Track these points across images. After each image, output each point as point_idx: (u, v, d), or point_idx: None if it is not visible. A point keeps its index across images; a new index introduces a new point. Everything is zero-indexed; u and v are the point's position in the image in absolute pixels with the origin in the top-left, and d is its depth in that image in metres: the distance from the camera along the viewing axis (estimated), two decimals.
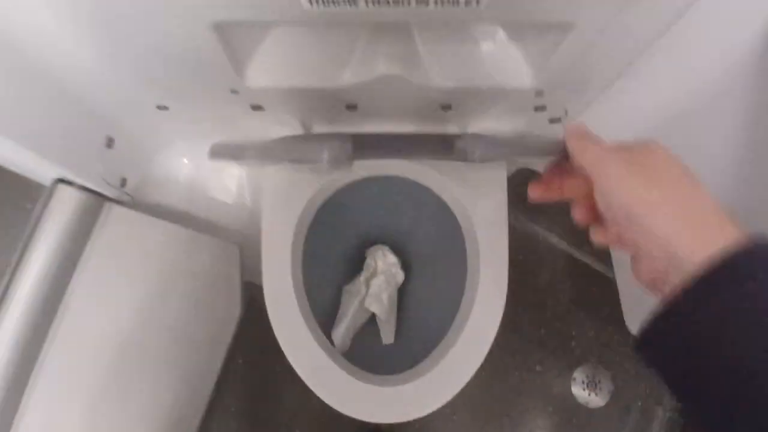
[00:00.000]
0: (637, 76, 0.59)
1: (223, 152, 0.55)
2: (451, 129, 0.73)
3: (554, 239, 1.14)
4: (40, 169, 0.57)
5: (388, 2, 0.44)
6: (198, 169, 0.80)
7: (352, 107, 0.66)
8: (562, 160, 0.40)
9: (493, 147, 0.52)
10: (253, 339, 0.91)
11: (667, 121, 0.61)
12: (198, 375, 0.66)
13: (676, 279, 0.26)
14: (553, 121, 0.73)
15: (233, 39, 0.51)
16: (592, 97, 0.64)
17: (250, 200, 0.84)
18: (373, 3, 0.44)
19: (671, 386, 0.27)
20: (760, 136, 0.49)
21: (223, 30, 0.48)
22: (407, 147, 0.63)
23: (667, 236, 0.27)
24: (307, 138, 0.62)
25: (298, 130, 0.70)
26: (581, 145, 0.34)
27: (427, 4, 0.44)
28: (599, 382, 1.07)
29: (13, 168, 0.54)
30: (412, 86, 0.59)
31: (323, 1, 0.43)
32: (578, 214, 0.37)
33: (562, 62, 0.54)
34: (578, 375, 1.07)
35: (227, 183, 0.83)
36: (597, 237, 0.36)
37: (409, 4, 0.44)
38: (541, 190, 0.41)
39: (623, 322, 1.09)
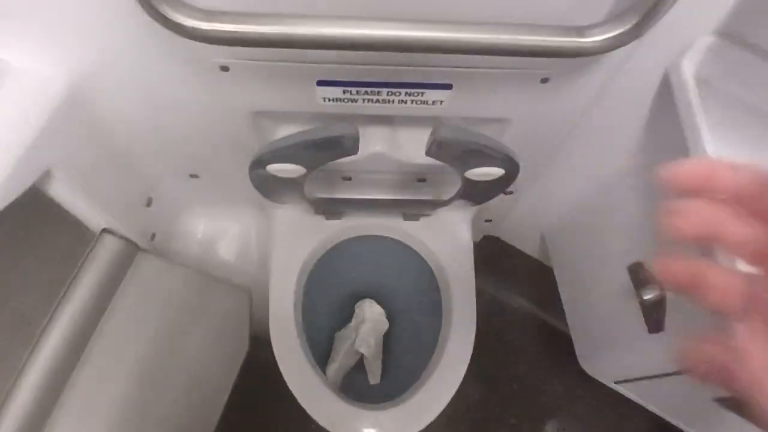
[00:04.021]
0: (569, 158, 0.78)
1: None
2: (425, 197, 0.90)
3: (521, 302, 1.27)
4: (94, 218, 0.70)
5: (378, 101, 0.62)
6: (213, 231, 0.95)
7: (347, 179, 0.83)
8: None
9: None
10: (251, 395, 0.99)
11: (593, 191, 0.79)
12: (207, 404, 0.74)
13: None
14: (507, 193, 0.91)
15: (263, 123, 0.69)
16: (535, 174, 0.82)
17: (258, 254, 0.98)
18: (368, 101, 0.62)
19: None
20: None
21: (258, 116, 0.65)
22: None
23: None
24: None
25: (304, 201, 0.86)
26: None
27: (406, 103, 0.63)
28: None
29: (76, 212, 0.67)
30: (393, 162, 0.76)
31: (333, 99, 0.62)
32: None
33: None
34: (549, 428, 1.15)
35: (235, 244, 0.97)
36: None
37: (392, 102, 0.63)
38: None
39: (590, 377, 1.20)
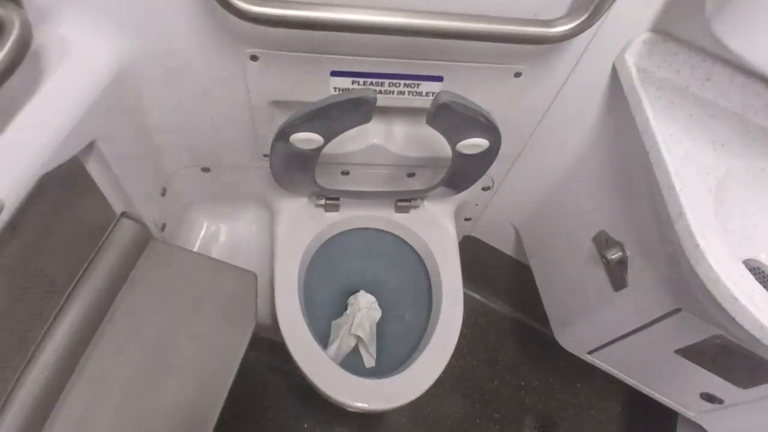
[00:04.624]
0: (538, 149, 0.90)
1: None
2: (414, 188, 1.00)
3: (498, 304, 1.36)
4: (118, 199, 0.76)
5: (381, 92, 0.73)
6: (216, 227, 1.01)
7: (345, 173, 0.93)
8: None
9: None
10: (244, 396, 1.01)
11: (559, 178, 0.91)
12: (216, 381, 0.77)
13: None
14: (484, 189, 1.02)
15: (277, 114, 0.78)
16: (508, 166, 0.94)
17: (256, 259, 1.04)
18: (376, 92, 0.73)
19: None
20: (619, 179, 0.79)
21: (274, 106, 0.75)
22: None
23: None
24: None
25: (311, 185, 0.94)
26: None
27: (404, 94, 0.74)
28: (548, 426, 1.21)
29: (104, 190, 0.72)
30: (388, 154, 0.87)
31: (342, 89, 0.72)
32: None
33: None
34: (529, 421, 1.21)
35: (236, 242, 1.03)
36: None
37: (392, 93, 0.74)
38: None
39: (564, 372, 1.28)
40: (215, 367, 0.79)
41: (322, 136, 0.67)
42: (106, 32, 0.61)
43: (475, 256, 1.28)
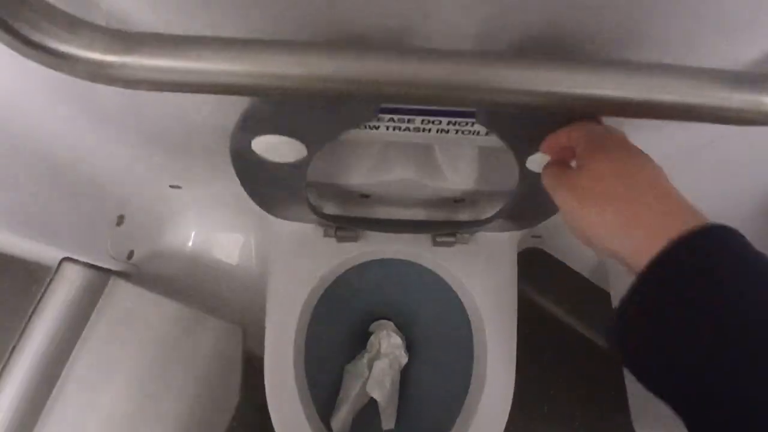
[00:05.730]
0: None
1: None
2: (462, 218, 0.73)
3: (561, 313, 1.12)
4: (47, 253, 0.56)
5: (409, 129, 0.44)
6: (206, 239, 0.80)
7: (364, 196, 0.66)
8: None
9: None
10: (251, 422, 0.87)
11: None
12: None
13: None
14: None
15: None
16: None
17: (257, 267, 0.84)
18: (394, 129, 0.44)
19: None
20: None
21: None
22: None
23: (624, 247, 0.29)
24: None
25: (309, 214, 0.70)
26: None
27: (448, 132, 0.44)
28: None
29: (22, 254, 0.53)
30: (427, 189, 0.59)
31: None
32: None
33: None
34: None
35: (234, 252, 0.82)
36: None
37: (429, 131, 0.44)
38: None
39: (626, 404, 1.06)
40: None
41: (304, 142, 0.39)
42: None
43: (541, 263, 1.01)
